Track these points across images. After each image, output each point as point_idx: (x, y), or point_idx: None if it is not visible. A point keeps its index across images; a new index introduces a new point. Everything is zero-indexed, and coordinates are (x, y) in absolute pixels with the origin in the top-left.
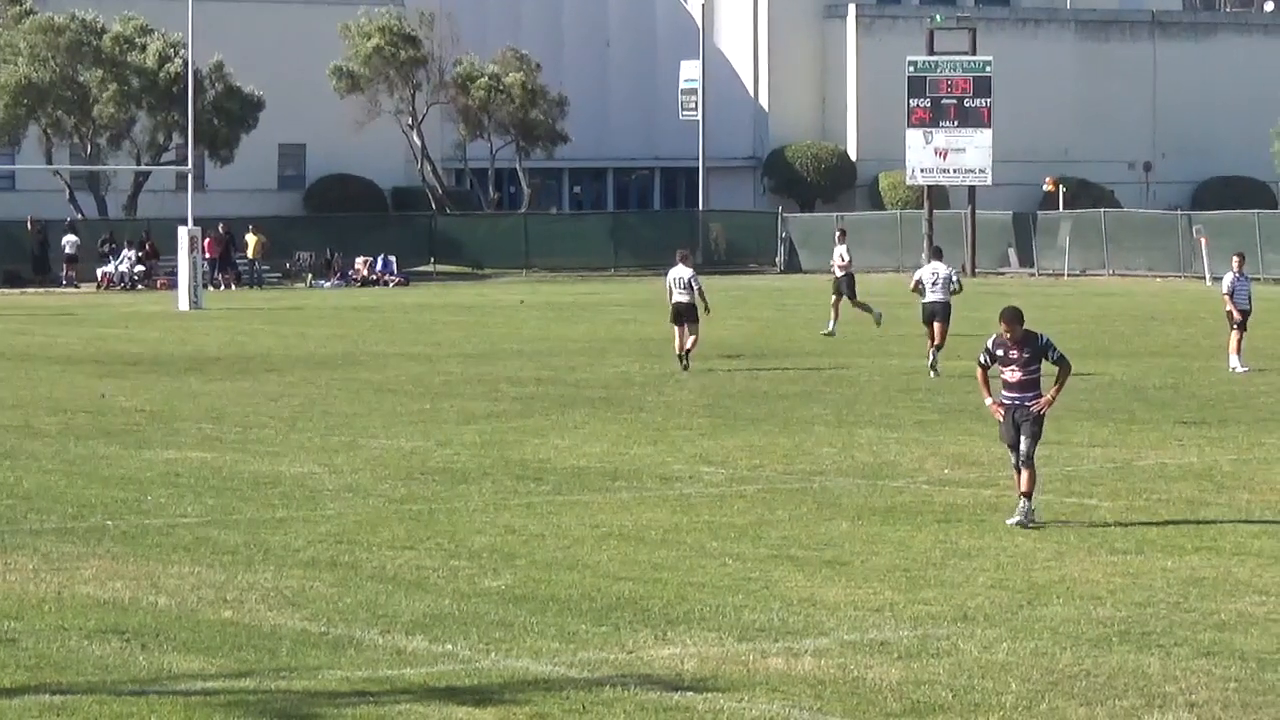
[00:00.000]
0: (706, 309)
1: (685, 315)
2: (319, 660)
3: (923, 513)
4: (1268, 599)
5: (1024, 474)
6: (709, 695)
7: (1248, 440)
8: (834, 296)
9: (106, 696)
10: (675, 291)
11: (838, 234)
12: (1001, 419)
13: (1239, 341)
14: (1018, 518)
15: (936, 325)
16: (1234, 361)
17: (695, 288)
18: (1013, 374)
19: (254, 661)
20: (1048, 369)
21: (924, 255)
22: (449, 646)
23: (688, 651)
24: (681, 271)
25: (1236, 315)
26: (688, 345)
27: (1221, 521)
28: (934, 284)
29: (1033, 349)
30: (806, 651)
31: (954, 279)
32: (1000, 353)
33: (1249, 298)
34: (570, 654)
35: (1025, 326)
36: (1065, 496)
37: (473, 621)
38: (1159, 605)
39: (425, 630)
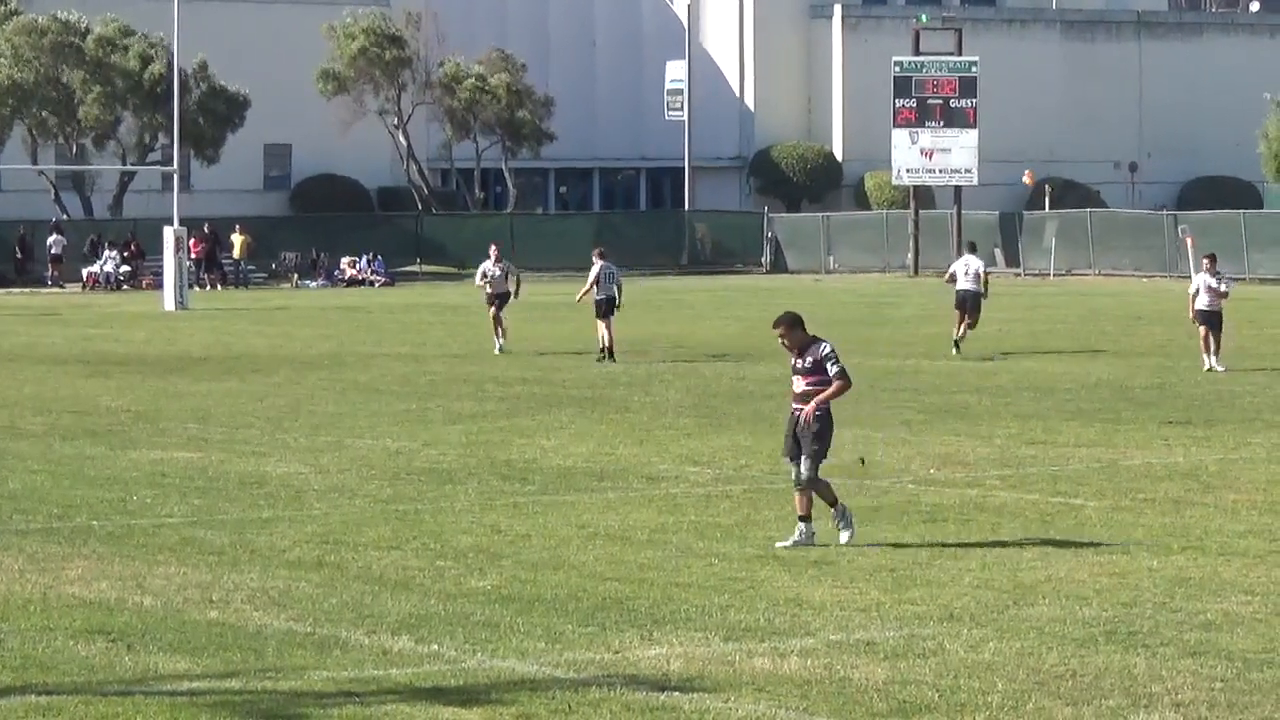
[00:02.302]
0: (619, 300)
1: (611, 309)
2: (305, 660)
3: (908, 513)
4: (1253, 599)
5: (799, 496)
6: (695, 695)
7: (1234, 440)
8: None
9: (92, 697)
10: (599, 287)
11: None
12: (786, 431)
13: (1205, 339)
14: (794, 538)
15: (967, 311)
16: (1209, 361)
17: (615, 283)
18: (797, 383)
19: (240, 662)
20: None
21: (957, 250)
22: (435, 647)
23: (674, 652)
24: (608, 267)
25: (1195, 314)
26: (606, 342)
27: (1207, 521)
28: (965, 274)
29: (814, 357)
30: (793, 651)
31: (983, 272)
32: (791, 360)
33: (1217, 298)
34: (556, 654)
35: (811, 333)
36: (1051, 496)
37: (459, 622)
38: (1145, 605)
39: (411, 630)
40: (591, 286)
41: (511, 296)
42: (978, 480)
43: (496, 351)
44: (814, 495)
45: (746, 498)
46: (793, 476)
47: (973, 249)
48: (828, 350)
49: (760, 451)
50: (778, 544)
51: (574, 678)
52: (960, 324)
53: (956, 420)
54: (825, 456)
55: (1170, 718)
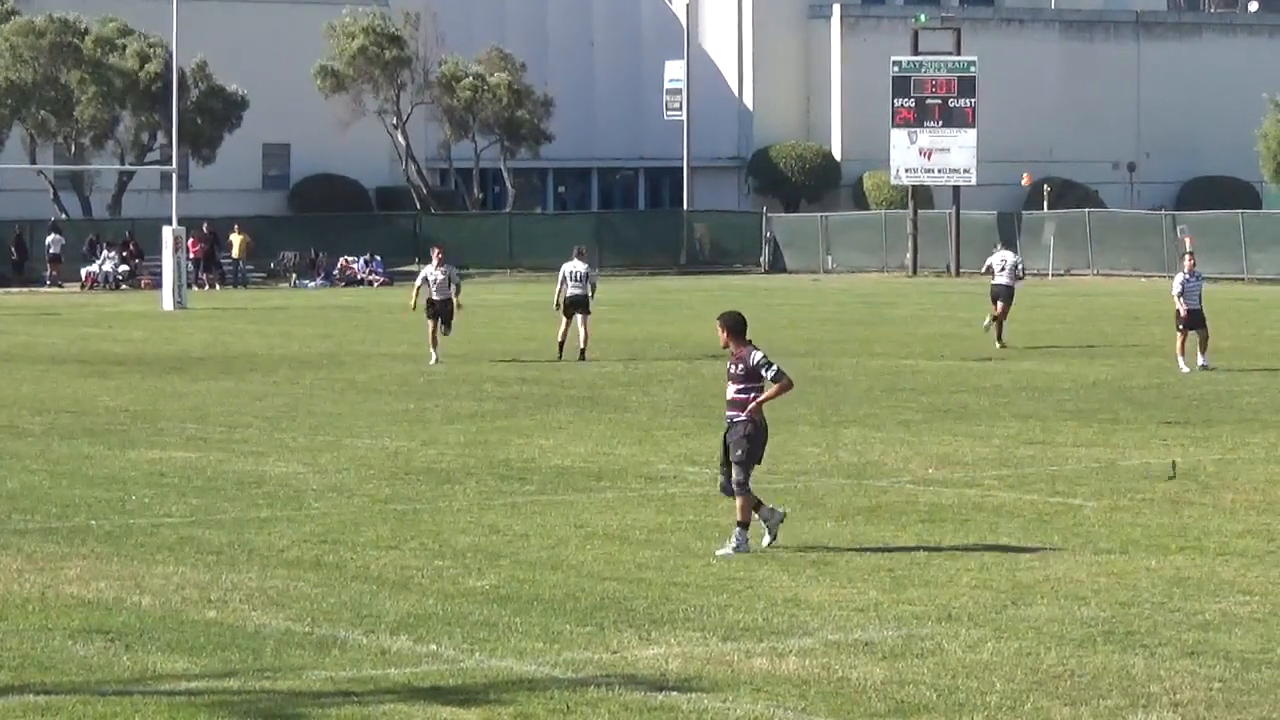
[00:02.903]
0: (593, 299)
1: (578, 307)
2: (303, 660)
3: (907, 512)
4: (1252, 599)
5: (740, 500)
6: (693, 695)
7: (1232, 440)
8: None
9: (91, 697)
10: (570, 285)
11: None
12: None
13: (1184, 343)
14: (731, 545)
15: (1000, 303)
16: (1182, 363)
17: (590, 282)
18: (730, 389)
19: (238, 662)
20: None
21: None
22: (433, 646)
23: (672, 651)
24: (577, 266)
25: (1184, 315)
26: (580, 342)
27: (1205, 521)
28: (1001, 269)
29: (746, 365)
30: (791, 651)
31: (1020, 267)
32: (727, 366)
33: (1199, 297)
34: (555, 654)
35: (749, 338)
36: (1050, 496)
37: (457, 621)
38: (1143, 605)
39: (410, 630)
40: (561, 287)
41: (455, 308)
42: (976, 480)
43: (432, 363)
44: (749, 501)
45: None
46: (719, 484)
47: (1009, 244)
48: (760, 358)
49: None
50: (718, 551)
51: (572, 677)
52: (992, 314)
53: (955, 420)
54: (758, 461)
55: (1168, 718)
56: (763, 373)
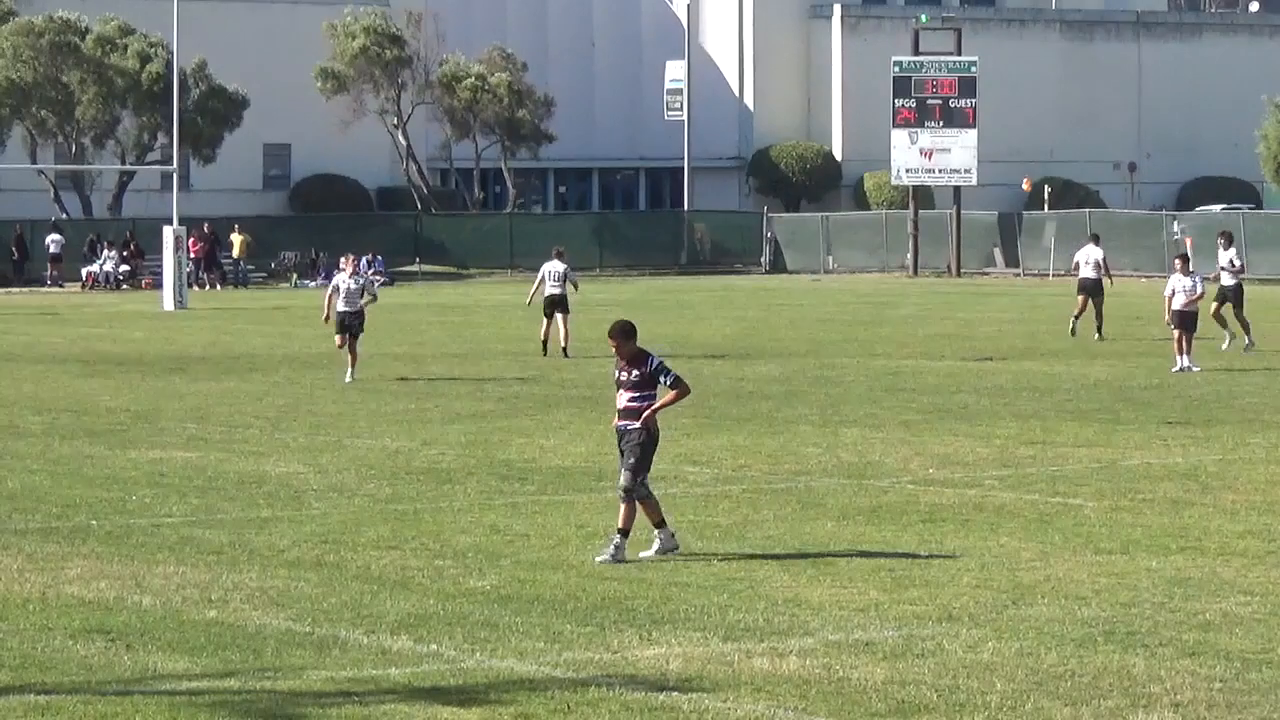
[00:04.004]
0: (575, 292)
1: (558, 307)
2: (304, 660)
3: (907, 513)
4: (1252, 599)
5: (624, 508)
6: (694, 695)
7: (1232, 440)
8: (1216, 304)
9: (91, 696)
10: (549, 284)
11: (1222, 239)
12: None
13: (1180, 342)
14: (608, 553)
15: (1086, 297)
16: (1181, 361)
17: (569, 281)
18: (622, 398)
19: (239, 661)
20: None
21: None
22: (434, 646)
23: (673, 651)
24: (556, 265)
25: (1171, 315)
26: (562, 340)
27: (1206, 522)
28: (1087, 263)
29: (641, 372)
30: (791, 651)
31: (1104, 261)
32: (616, 374)
33: (1198, 300)
34: (555, 654)
35: (640, 345)
36: (1050, 496)
37: (457, 621)
38: (1144, 605)
39: (410, 630)
40: (538, 287)
41: (364, 320)
42: (977, 480)
43: (347, 380)
44: (639, 508)
45: (745, 498)
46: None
47: (1096, 240)
48: (657, 364)
49: (759, 451)
50: (597, 558)
51: (573, 677)
52: (1081, 310)
53: (956, 420)
54: (647, 469)
55: (1169, 718)
56: (660, 379)
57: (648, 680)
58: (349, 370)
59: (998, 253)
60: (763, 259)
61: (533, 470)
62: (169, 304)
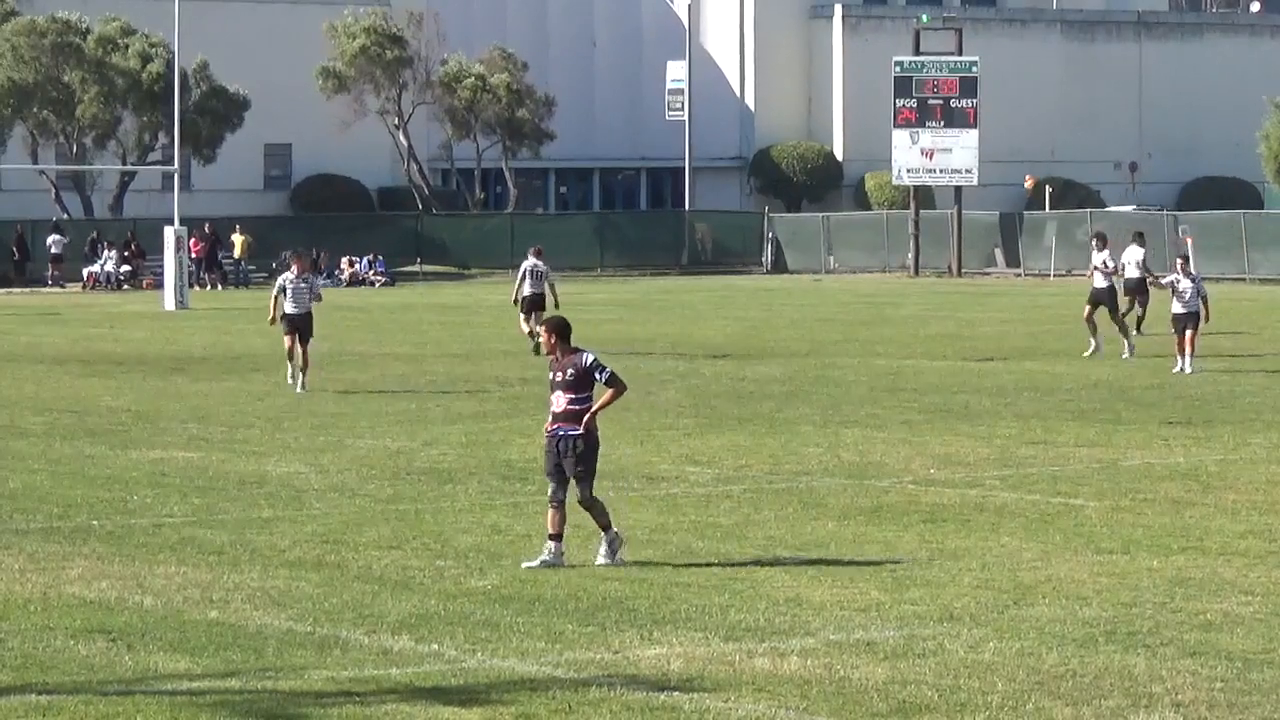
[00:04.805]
0: (555, 303)
1: (537, 306)
2: (305, 660)
3: (909, 513)
4: (1253, 599)
5: (552, 514)
6: (695, 695)
7: (1233, 440)
8: (1089, 307)
9: (92, 696)
10: (529, 283)
11: (1096, 240)
12: (546, 449)
13: (1180, 342)
14: (542, 558)
15: (1132, 296)
16: (1183, 363)
17: (547, 281)
18: (557, 400)
19: (240, 662)
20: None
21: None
22: (435, 646)
23: (674, 651)
24: (537, 264)
25: (1176, 315)
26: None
27: (1207, 522)
28: (1131, 263)
29: (577, 370)
30: (792, 651)
31: (1146, 262)
32: (551, 374)
33: (1197, 301)
34: (556, 654)
35: (575, 344)
36: (1051, 496)
37: (459, 621)
38: (1145, 605)
39: (411, 630)
40: (520, 284)
41: (312, 322)
42: (978, 480)
43: (298, 390)
44: (561, 515)
45: (746, 498)
46: (550, 493)
47: (1140, 239)
48: (592, 360)
49: (760, 451)
50: (525, 563)
51: (574, 677)
52: (1130, 308)
53: (956, 420)
54: (594, 474)
55: (1170, 718)
56: (596, 375)
57: (649, 680)
58: (300, 379)
59: (999, 253)
60: (764, 259)
61: (534, 470)
62: (170, 304)
